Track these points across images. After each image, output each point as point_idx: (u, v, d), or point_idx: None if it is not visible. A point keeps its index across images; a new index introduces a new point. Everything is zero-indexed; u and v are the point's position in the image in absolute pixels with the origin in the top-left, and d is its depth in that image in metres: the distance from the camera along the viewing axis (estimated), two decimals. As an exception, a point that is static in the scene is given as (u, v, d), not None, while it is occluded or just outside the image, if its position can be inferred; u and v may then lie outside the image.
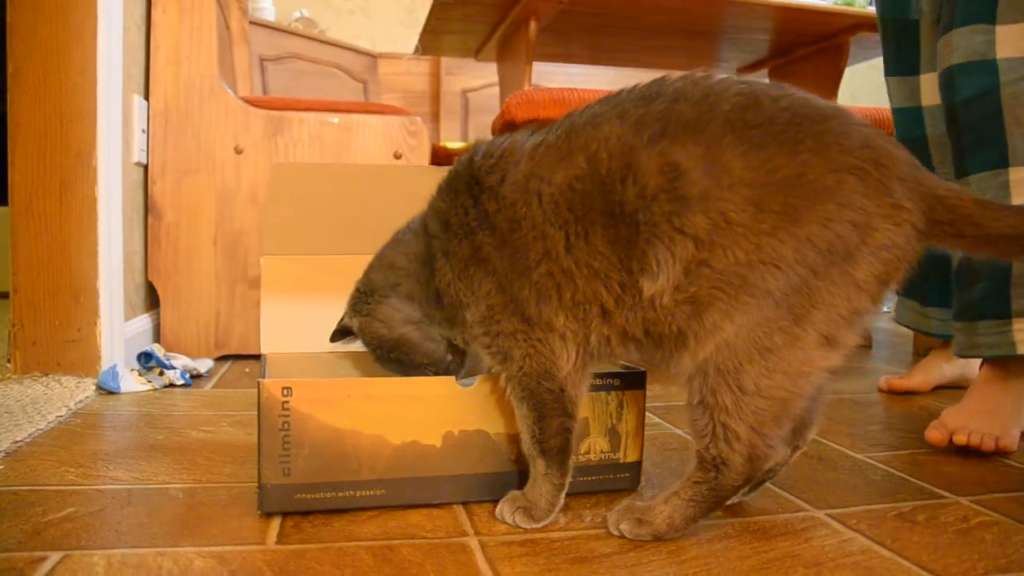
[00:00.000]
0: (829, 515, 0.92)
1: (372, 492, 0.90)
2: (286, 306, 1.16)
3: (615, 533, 0.84)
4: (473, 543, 0.82)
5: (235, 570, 0.74)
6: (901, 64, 1.50)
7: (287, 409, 0.87)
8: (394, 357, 0.98)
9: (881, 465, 1.12)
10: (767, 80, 2.84)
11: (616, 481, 1.00)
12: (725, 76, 0.83)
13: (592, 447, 0.98)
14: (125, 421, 1.29)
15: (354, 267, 1.03)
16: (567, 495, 0.89)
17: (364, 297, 0.99)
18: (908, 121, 1.51)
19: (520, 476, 0.94)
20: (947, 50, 1.24)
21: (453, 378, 0.93)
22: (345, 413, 0.89)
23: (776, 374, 0.78)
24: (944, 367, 1.66)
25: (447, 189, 0.93)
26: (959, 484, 1.03)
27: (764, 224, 0.76)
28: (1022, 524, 0.90)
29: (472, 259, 0.88)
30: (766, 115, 0.78)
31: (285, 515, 0.88)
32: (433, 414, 0.92)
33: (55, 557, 0.75)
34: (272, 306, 1.15)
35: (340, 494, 0.89)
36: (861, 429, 1.32)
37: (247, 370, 1.77)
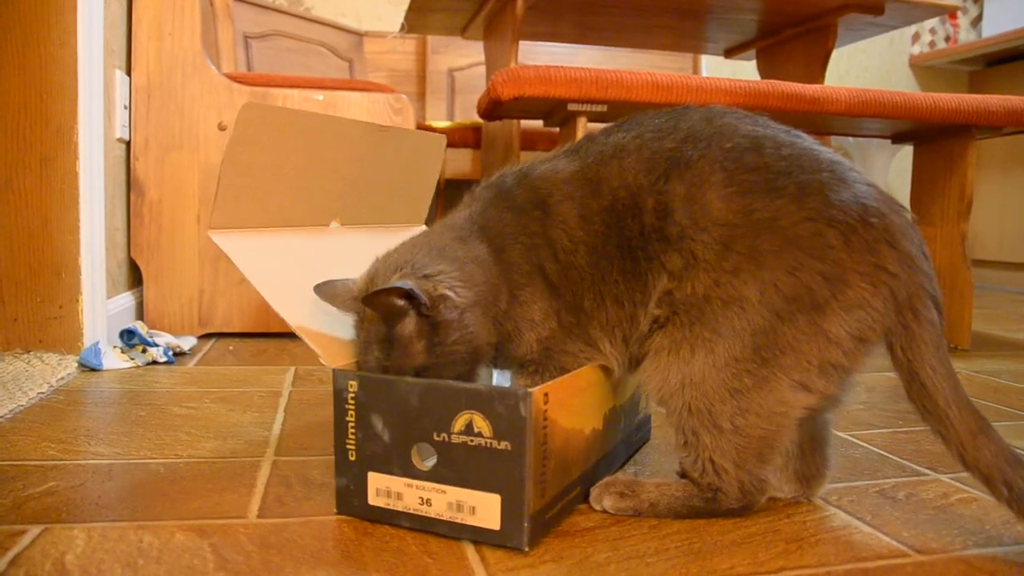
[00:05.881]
0: (810, 491, 0.92)
1: (575, 492, 0.84)
2: (277, 277, 0.97)
3: (597, 508, 0.84)
4: (456, 518, 0.82)
5: (216, 543, 0.74)
6: None
7: (547, 419, 0.75)
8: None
9: (863, 443, 1.13)
10: (755, 64, 2.84)
11: (645, 432, 1.08)
12: (746, 116, 0.84)
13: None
14: (107, 398, 1.29)
15: (314, 245, 0.96)
16: None
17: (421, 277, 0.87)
18: None
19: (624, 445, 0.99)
20: None
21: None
22: (569, 411, 0.81)
23: (749, 414, 0.78)
24: None
25: (505, 206, 0.89)
26: (939, 462, 1.04)
27: (726, 263, 0.77)
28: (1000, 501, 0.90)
29: (534, 282, 0.87)
30: (764, 161, 0.79)
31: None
32: (600, 397, 0.89)
33: (35, 531, 0.75)
34: (264, 282, 0.94)
35: (560, 503, 0.80)
36: (843, 408, 1.33)
37: (231, 348, 1.76)
